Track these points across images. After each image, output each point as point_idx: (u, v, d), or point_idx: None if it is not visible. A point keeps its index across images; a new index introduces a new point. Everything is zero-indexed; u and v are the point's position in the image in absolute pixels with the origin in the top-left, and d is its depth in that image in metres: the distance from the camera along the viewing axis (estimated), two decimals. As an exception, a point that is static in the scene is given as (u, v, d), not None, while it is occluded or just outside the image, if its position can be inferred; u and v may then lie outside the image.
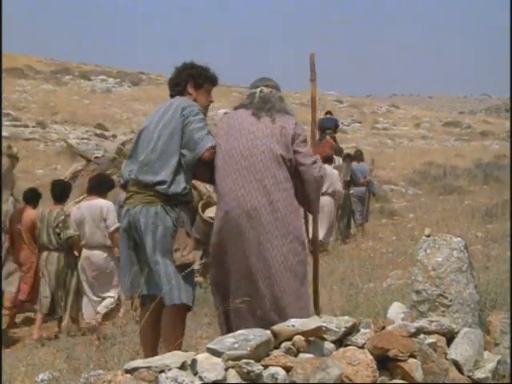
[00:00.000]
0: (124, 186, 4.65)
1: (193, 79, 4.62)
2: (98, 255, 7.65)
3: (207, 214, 5.00)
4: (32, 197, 8.73)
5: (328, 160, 12.43)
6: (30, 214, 8.50)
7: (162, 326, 4.37)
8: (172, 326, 4.34)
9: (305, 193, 4.43)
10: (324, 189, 11.66)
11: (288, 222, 4.26)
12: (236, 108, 4.64)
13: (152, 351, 4.36)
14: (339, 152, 14.31)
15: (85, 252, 7.71)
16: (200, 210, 4.99)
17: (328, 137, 14.65)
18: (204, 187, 7.07)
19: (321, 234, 11.69)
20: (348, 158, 14.19)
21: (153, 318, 4.33)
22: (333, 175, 12.06)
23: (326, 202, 11.80)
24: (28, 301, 8.52)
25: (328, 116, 16.00)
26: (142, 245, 4.39)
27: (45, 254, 8.01)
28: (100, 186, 7.87)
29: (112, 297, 7.62)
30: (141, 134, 4.56)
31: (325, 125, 15.08)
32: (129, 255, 4.49)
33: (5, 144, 9.20)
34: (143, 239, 4.35)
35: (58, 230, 7.88)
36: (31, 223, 8.33)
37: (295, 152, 4.35)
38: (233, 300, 4.31)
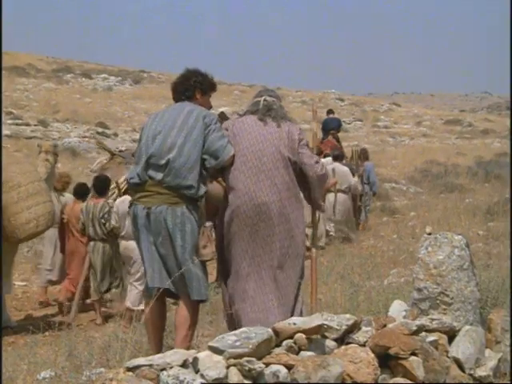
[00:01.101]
0: (138, 185, 4.72)
1: (200, 86, 4.93)
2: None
3: None
4: (83, 191, 9.33)
5: (338, 158, 12.57)
6: (79, 207, 9.03)
7: (181, 317, 4.68)
8: (192, 317, 4.70)
9: (310, 190, 4.88)
10: (337, 186, 11.93)
11: (292, 218, 4.69)
12: (244, 114, 5.03)
13: (158, 336, 4.74)
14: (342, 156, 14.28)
15: (125, 243, 8.07)
16: None
17: (330, 136, 14.85)
18: None
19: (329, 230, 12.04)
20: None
21: (160, 307, 4.73)
22: (344, 172, 12.24)
23: (340, 199, 12.02)
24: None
25: (331, 116, 16.24)
26: (165, 243, 4.62)
27: (91, 244, 8.62)
28: None
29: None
30: (156, 137, 4.71)
31: (328, 126, 15.40)
32: (151, 250, 4.68)
33: (50, 143, 9.71)
34: (172, 238, 4.59)
35: (103, 221, 8.46)
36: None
37: (299, 153, 4.77)
38: (240, 296, 4.72)
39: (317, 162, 4.82)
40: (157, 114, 4.98)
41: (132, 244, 7.84)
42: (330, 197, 11.98)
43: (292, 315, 4.56)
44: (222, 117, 11.19)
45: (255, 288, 4.70)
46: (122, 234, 8.08)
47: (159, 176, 4.61)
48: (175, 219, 4.56)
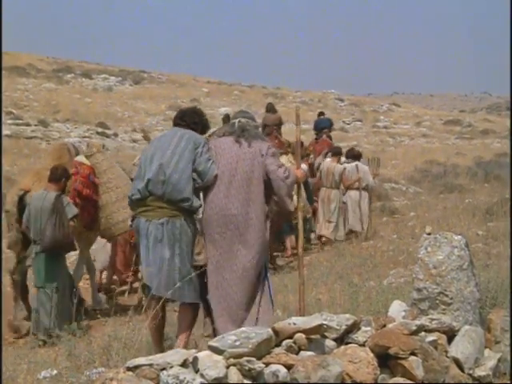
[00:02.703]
0: (139, 200, 5.25)
1: (203, 126, 5.74)
2: None
3: None
4: None
5: (356, 157, 12.90)
6: None
7: (178, 319, 5.26)
8: (186, 318, 5.18)
9: (275, 191, 5.31)
10: (356, 184, 12.36)
11: (256, 229, 5.22)
12: (222, 135, 5.64)
13: (159, 334, 5.18)
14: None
15: None
16: None
17: (324, 136, 15.13)
18: None
19: (355, 226, 12.36)
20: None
21: (160, 308, 5.10)
22: (363, 170, 12.58)
23: (358, 195, 12.35)
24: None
25: (322, 117, 16.77)
26: (163, 251, 5.13)
27: None
28: None
29: None
30: (153, 157, 5.32)
31: (320, 125, 15.88)
32: (154, 259, 5.18)
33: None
34: (170, 247, 5.13)
35: None
36: None
37: (266, 164, 5.29)
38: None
39: (280, 167, 5.31)
40: (155, 138, 5.69)
41: None
42: (353, 194, 12.49)
43: (256, 321, 5.01)
44: (226, 120, 11.20)
45: (224, 295, 5.16)
46: None
47: (160, 191, 5.20)
48: (174, 230, 5.15)
